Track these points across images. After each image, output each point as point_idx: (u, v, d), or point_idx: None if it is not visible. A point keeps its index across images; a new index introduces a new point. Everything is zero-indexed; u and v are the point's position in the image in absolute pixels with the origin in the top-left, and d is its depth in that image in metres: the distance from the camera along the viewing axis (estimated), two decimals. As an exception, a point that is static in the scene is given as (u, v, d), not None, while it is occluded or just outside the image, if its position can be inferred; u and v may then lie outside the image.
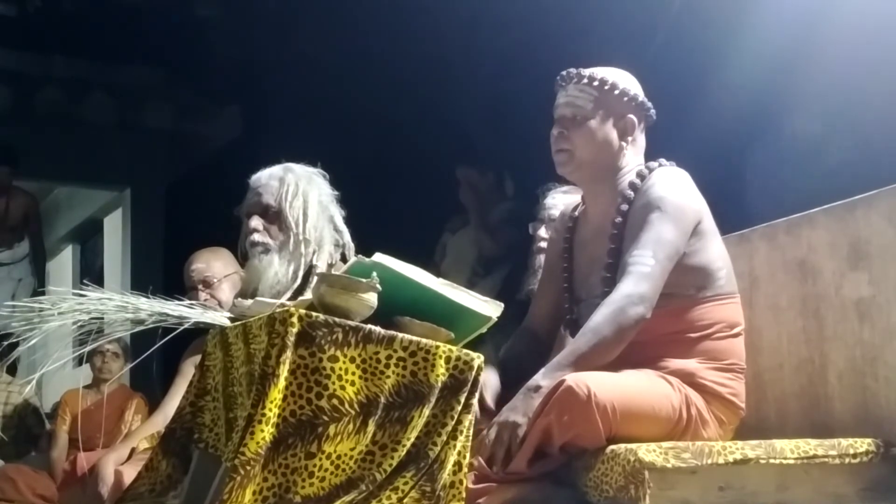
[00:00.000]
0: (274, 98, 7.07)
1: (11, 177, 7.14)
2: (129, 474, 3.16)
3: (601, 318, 2.65)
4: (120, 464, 3.60)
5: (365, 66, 6.24)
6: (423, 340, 2.38)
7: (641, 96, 2.90)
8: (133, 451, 3.70)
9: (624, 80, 2.89)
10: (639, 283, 2.65)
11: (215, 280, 3.70)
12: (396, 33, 5.89)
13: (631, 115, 2.87)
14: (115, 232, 9.18)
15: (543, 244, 3.53)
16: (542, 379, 2.62)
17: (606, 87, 2.85)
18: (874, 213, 2.75)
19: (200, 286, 3.71)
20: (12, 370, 5.93)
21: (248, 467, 2.21)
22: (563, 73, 2.91)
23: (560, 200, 3.57)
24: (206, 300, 3.48)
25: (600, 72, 2.88)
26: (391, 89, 6.06)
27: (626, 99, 2.87)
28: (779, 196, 3.64)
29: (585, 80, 2.86)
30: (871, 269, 2.75)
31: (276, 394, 2.25)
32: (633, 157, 2.89)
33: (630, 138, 2.87)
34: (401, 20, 5.88)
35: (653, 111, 2.92)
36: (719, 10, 4.53)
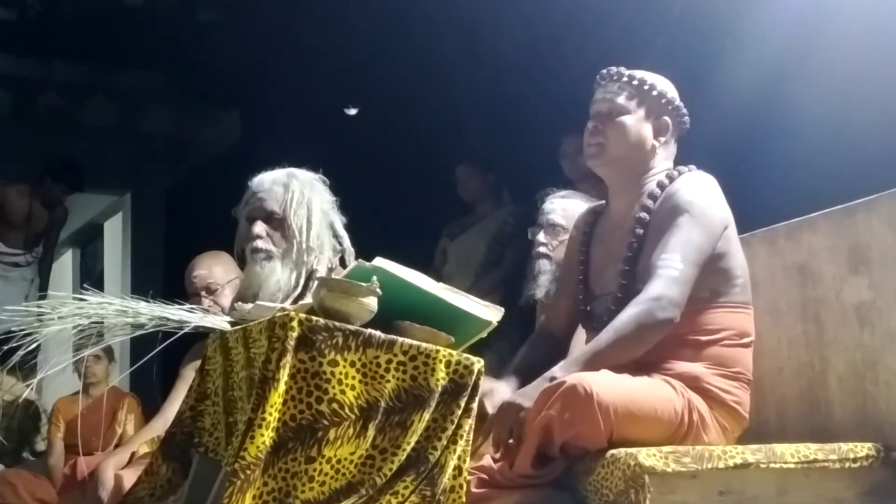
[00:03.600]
0: (274, 103, 7.07)
1: (66, 195, 7.17)
2: (129, 478, 3.16)
3: (627, 318, 2.65)
4: (120, 468, 3.61)
5: (364, 70, 6.25)
6: (424, 345, 2.38)
7: (678, 102, 2.91)
8: (133, 455, 3.71)
9: (663, 84, 2.92)
10: (669, 287, 2.65)
11: (218, 286, 3.69)
12: (396, 39, 5.90)
13: (666, 118, 2.89)
14: (115, 236, 9.17)
15: (542, 249, 3.54)
16: (559, 371, 2.63)
17: (646, 87, 2.88)
18: (874, 218, 2.75)
19: (203, 293, 3.70)
20: (13, 372, 5.92)
21: (248, 472, 2.21)
22: (604, 70, 2.93)
23: (559, 205, 3.57)
24: (209, 307, 3.47)
25: (642, 73, 2.91)
26: (390, 94, 6.07)
27: (663, 101, 2.89)
28: (778, 200, 3.63)
29: (626, 79, 2.89)
30: (872, 273, 2.76)
31: (277, 398, 2.25)
32: (663, 160, 2.90)
33: (663, 139, 2.89)
34: (401, 25, 5.88)
35: (687, 119, 2.93)
36: (718, 15, 4.54)
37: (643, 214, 2.82)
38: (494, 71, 5.72)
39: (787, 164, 4.21)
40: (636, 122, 2.87)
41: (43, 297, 2.67)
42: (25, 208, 7.09)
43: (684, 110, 2.93)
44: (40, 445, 5.91)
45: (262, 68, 6.87)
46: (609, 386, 2.54)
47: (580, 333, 3.06)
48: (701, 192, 2.78)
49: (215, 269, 3.72)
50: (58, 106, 8.08)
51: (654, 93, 2.87)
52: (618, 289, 2.81)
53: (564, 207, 3.54)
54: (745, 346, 2.81)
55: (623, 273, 2.81)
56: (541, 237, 3.56)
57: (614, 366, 2.63)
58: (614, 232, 2.91)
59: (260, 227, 3.00)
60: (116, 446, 4.86)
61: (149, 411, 4.93)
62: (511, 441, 2.61)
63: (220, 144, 8.27)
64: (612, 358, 2.64)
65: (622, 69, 2.91)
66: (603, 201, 3.07)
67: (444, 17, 5.72)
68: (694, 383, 2.70)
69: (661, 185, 2.84)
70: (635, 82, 2.88)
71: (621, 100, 2.87)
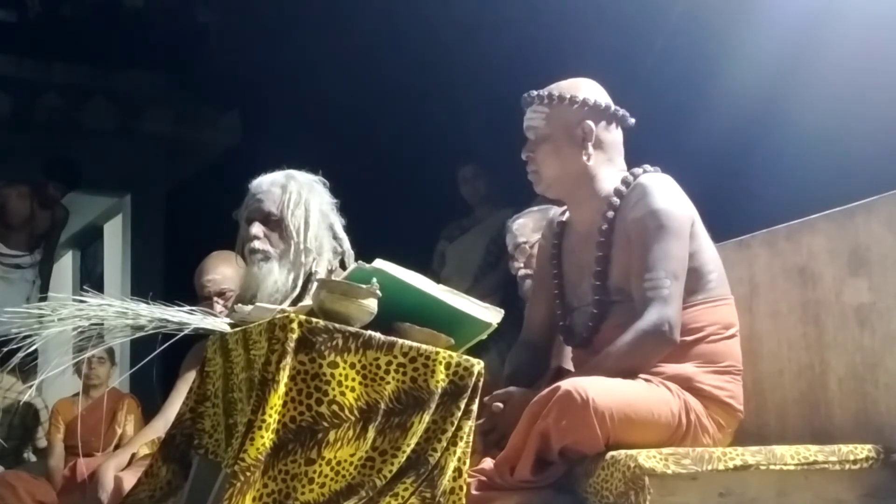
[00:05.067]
0: (273, 104, 7.08)
1: (63, 194, 7.16)
2: (129, 480, 3.16)
3: (626, 345, 2.66)
4: (120, 470, 3.60)
5: (364, 72, 6.25)
6: (423, 346, 2.38)
7: (595, 99, 2.88)
8: (133, 456, 3.70)
9: (574, 89, 2.89)
10: (663, 308, 2.66)
11: (232, 291, 3.63)
12: (395, 40, 5.90)
13: (587, 121, 2.86)
14: (115, 238, 9.18)
15: (521, 272, 3.67)
16: None
17: (555, 101, 2.87)
18: (874, 220, 2.75)
19: (216, 297, 3.67)
20: (13, 373, 5.95)
21: (248, 473, 2.20)
22: (523, 96, 2.94)
23: (516, 226, 3.75)
24: (221, 312, 3.43)
25: (551, 87, 2.90)
26: (390, 96, 6.07)
27: (575, 107, 2.86)
28: (779, 202, 3.64)
29: (537, 100, 2.90)
30: (872, 275, 2.75)
31: (276, 400, 2.25)
32: (604, 162, 2.88)
33: (591, 143, 2.86)
34: (400, 28, 5.88)
35: (614, 109, 2.89)
36: (718, 18, 4.54)
37: (605, 226, 2.82)
38: (494, 73, 5.72)
39: (786, 166, 4.21)
40: (558, 141, 2.87)
41: (44, 299, 2.66)
42: (26, 210, 7.10)
43: (604, 103, 2.88)
44: (41, 443, 5.93)
45: (262, 70, 6.87)
46: (605, 391, 2.55)
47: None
48: (666, 197, 2.76)
49: (227, 273, 3.67)
50: (58, 107, 8.09)
51: (565, 103, 2.86)
52: (593, 304, 2.82)
53: (521, 224, 3.68)
54: (731, 337, 2.81)
55: (595, 288, 2.82)
56: (515, 263, 3.68)
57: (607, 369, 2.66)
58: (582, 244, 2.91)
59: (257, 229, 3.00)
60: (116, 447, 4.87)
61: (149, 413, 4.94)
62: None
63: (220, 146, 8.27)
64: (610, 368, 2.66)
65: (533, 91, 2.91)
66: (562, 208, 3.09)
67: (444, 20, 5.72)
68: (687, 384, 2.70)
69: (618, 193, 2.82)
70: (546, 100, 2.88)
71: (540, 123, 2.88)
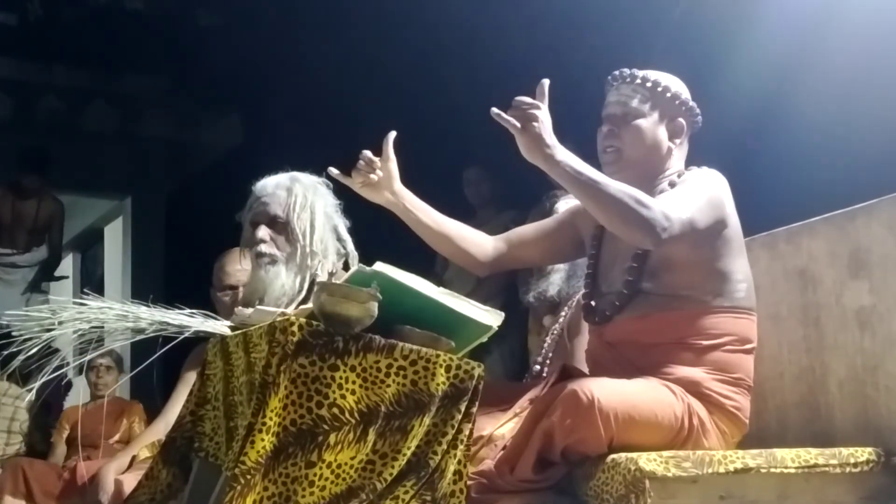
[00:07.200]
0: (274, 107, 7.08)
1: (40, 183, 7.16)
2: (130, 483, 3.16)
3: (633, 192, 2.56)
4: (120, 473, 3.60)
5: (365, 74, 6.25)
6: (424, 349, 2.38)
7: (691, 102, 2.90)
8: (133, 459, 3.70)
9: (677, 85, 2.89)
10: (677, 216, 2.58)
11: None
12: (397, 42, 5.91)
13: (681, 119, 2.87)
14: (115, 241, 9.19)
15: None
16: (559, 149, 2.59)
17: (660, 89, 2.85)
18: (874, 222, 2.75)
19: (241, 286, 3.61)
20: (11, 378, 5.96)
21: (249, 476, 2.20)
22: (616, 72, 2.89)
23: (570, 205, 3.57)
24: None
25: (654, 74, 2.88)
26: (391, 97, 6.07)
27: (677, 102, 2.86)
28: (779, 205, 3.64)
29: (639, 81, 2.86)
30: (872, 277, 2.76)
31: (277, 403, 2.25)
32: (678, 161, 2.89)
33: (678, 141, 2.87)
34: (401, 29, 5.89)
35: (700, 118, 2.91)
36: (719, 20, 4.54)
37: None
38: (497, 74, 5.72)
39: (787, 169, 4.21)
40: (651, 125, 2.84)
41: (38, 291, 2.67)
42: (9, 207, 7.12)
43: (697, 109, 2.91)
44: (42, 446, 5.95)
45: (262, 73, 6.88)
46: (610, 392, 2.54)
47: (583, 334, 3.05)
48: (706, 175, 2.79)
49: (245, 264, 3.64)
50: (58, 110, 8.10)
51: (669, 95, 2.85)
52: (623, 285, 2.79)
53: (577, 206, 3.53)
54: (747, 352, 2.79)
55: (630, 269, 2.78)
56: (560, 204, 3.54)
57: (582, 192, 2.59)
58: None
59: (264, 232, 3.00)
60: (120, 453, 4.87)
61: (149, 415, 4.94)
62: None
63: (220, 149, 8.28)
64: (591, 190, 2.56)
65: (635, 71, 2.87)
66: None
67: (444, 22, 5.73)
68: (694, 388, 2.69)
69: (672, 185, 2.83)
70: (649, 84, 2.84)
71: (635, 103, 2.84)
